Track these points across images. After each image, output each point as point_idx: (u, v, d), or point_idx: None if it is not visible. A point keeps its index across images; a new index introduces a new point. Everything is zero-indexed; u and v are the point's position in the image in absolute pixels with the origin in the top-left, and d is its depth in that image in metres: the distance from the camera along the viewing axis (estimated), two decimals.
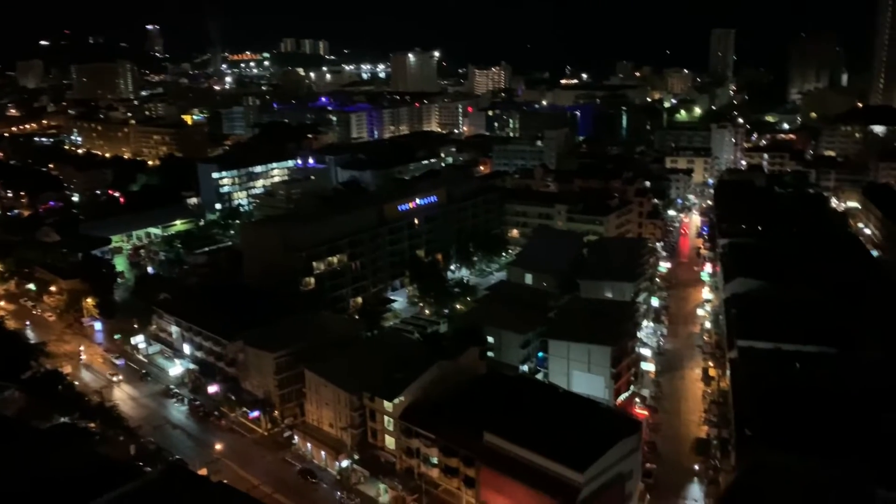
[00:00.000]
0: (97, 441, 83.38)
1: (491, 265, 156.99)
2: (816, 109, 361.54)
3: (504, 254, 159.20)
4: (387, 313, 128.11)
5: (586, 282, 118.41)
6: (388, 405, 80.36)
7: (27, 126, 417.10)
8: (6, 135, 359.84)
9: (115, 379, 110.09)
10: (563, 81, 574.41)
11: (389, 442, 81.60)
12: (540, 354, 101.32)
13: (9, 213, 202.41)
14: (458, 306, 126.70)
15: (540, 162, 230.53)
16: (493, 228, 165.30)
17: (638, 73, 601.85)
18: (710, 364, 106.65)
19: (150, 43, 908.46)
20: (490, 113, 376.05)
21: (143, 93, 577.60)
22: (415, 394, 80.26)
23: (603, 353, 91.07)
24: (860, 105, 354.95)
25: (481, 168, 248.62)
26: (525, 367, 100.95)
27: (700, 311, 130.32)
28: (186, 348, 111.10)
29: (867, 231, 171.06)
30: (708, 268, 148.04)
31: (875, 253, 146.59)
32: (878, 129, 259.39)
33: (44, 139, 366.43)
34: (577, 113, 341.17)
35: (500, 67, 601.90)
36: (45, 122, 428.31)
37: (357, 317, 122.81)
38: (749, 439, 67.36)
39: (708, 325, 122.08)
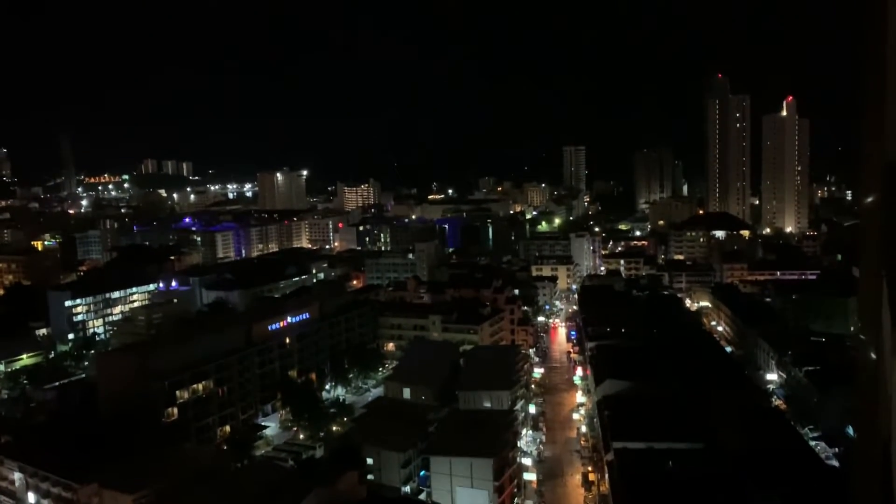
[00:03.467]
0: None
1: (367, 381, 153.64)
2: (662, 217, 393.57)
3: (380, 368, 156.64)
4: (258, 441, 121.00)
5: (464, 392, 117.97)
6: None
7: None
8: None
9: None
10: (430, 196, 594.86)
11: None
12: (422, 473, 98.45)
13: None
14: (334, 428, 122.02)
15: (412, 274, 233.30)
16: (368, 343, 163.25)
17: (500, 188, 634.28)
18: (589, 469, 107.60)
19: None
20: (360, 228, 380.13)
21: None
22: None
23: (485, 465, 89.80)
24: (701, 212, 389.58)
25: (354, 282, 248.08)
26: (407, 488, 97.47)
27: (575, 415, 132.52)
28: (31, 497, 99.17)
29: (719, 328, 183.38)
30: (579, 371, 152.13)
31: (728, 349, 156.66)
32: (719, 233, 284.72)
33: None
34: (446, 226, 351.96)
35: (369, 184, 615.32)
36: None
37: (225, 447, 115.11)
38: None
39: (584, 428, 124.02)
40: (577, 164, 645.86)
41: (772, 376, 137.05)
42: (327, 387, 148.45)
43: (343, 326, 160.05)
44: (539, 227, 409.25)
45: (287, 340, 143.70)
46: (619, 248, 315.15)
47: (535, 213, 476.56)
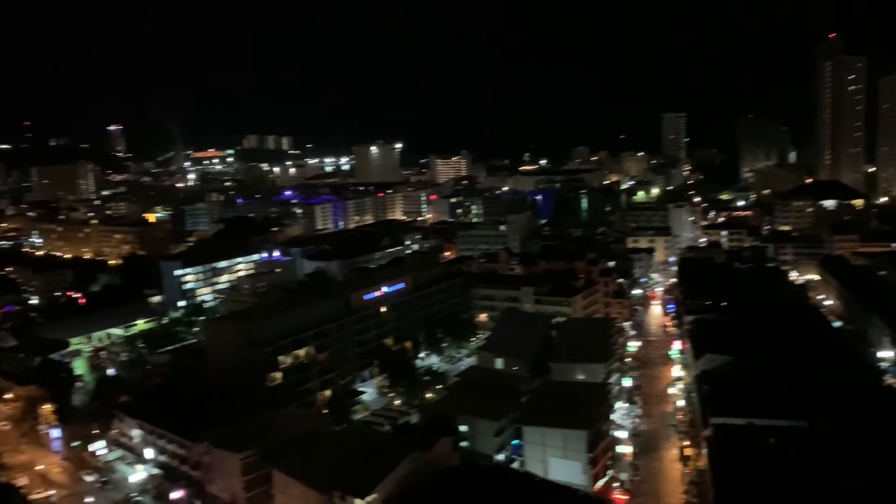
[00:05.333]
0: None
1: (460, 351, 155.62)
2: (768, 186, 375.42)
3: (473, 339, 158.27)
4: (356, 406, 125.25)
5: (557, 364, 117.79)
6: (359, 503, 77.34)
7: None
8: None
9: (71, 490, 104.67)
10: (522, 168, 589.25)
11: None
12: (515, 442, 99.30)
13: None
14: (428, 395, 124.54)
15: (504, 246, 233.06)
16: (460, 313, 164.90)
17: (594, 158, 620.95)
18: (686, 444, 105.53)
19: (111, 143, 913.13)
20: (453, 200, 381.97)
21: (105, 192, 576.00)
22: (388, 490, 77.46)
23: (579, 437, 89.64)
24: (809, 180, 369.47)
25: (446, 254, 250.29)
26: (500, 456, 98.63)
27: (672, 390, 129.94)
28: (149, 452, 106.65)
29: (827, 303, 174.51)
30: (676, 345, 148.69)
31: (837, 323, 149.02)
32: (829, 203, 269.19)
33: (2, 242, 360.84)
34: (538, 197, 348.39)
35: (461, 156, 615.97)
36: (3, 224, 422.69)
37: (325, 411, 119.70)
38: None
39: (681, 403, 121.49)
40: (677, 132, 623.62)
41: (886, 353, 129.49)
42: (421, 355, 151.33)
43: (436, 297, 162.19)
44: (636, 197, 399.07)
45: (383, 310, 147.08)
46: (721, 219, 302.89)
47: (631, 182, 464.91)
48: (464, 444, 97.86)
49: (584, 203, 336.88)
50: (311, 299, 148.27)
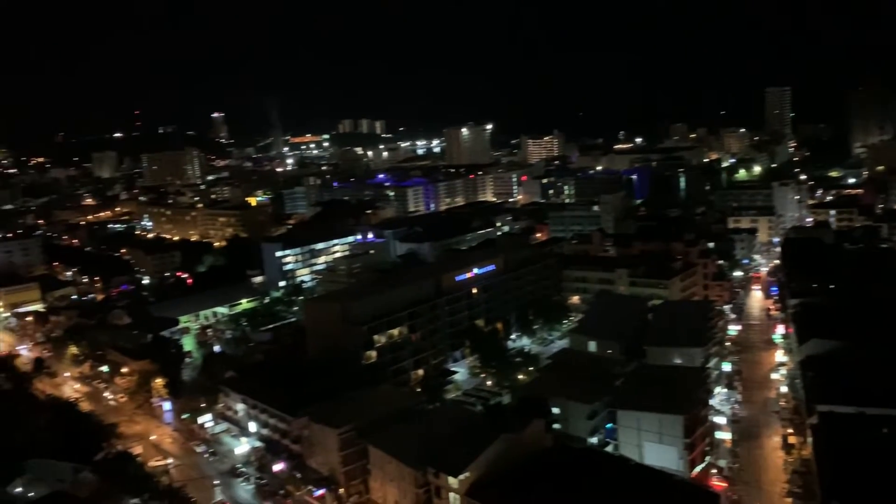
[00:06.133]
0: None
1: (552, 333, 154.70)
2: (882, 162, 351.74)
3: (565, 321, 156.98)
4: (448, 385, 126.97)
5: (653, 348, 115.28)
6: (452, 481, 78.59)
7: (101, 214, 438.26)
8: (82, 223, 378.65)
9: (182, 460, 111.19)
10: (616, 146, 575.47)
11: None
12: (609, 425, 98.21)
13: (84, 298, 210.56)
14: (520, 376, 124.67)
15: (597, 227, 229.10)
16: (552, 295, 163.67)
17: (693, 135, 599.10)
18: (790, 431, 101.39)
19: (215, 130, 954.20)
20: (544, 181, 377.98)
21: (210, 177, 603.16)
22: (480, 469, 78.34)
23: (675, 422, 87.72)
24: None
25: (538, 235, 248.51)
26: (594, 440, 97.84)
27: (774, 375, 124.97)
28: (252, 426, 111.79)
29: None
30: (780, 329, 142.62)
31: None
32: None
33: (116, 225, 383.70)
34: (633, 176, 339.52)
35: (553, 136, 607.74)
36: (117, 209, 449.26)
37: (419, 389, 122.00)
38: None
39: (784, 389, 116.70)
40: (781, 107, 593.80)
41: None
42: (513, 336, 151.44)
43: (527, 279, 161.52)
44: (737, 175, 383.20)
45: (474, 291, 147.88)
46: (829, 198, 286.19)
47: (732, 160, 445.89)
48: (556, 426, 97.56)
49: (683, 182, 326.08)
50: (404, 280, 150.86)
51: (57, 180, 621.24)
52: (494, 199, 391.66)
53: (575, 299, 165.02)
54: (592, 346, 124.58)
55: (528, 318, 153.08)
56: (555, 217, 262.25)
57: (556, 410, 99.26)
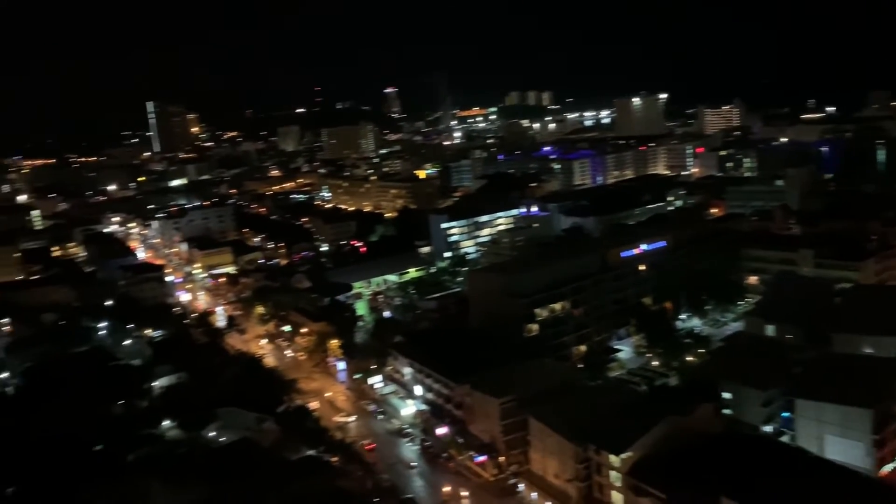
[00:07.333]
0: (338, 474, 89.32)
1: (725, 315, 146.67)
2: None
3: (740, 303, 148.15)
4: (611, 363, 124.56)
5: (842, 335, 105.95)
6: (614, 459, 77.41)
7: (285, 185, 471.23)
8: (268, 193, 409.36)
9: (355, 417, 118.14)
10: (804, 116, 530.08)
11: (616, 498, 78.30)
12: (785, 414, 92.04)
13: (269, 263, 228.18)
14: (689, 358, 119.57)
15: (780, 203, 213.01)
16: (727, 275, 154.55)
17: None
18: None
19: (388, 105, 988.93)
20: (722, 153, 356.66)
21: (382, 151, 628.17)
22: (644, 449, 76.53)
23: (863, 415, 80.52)
24: None
25: (713, 211, 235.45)
26: (768, 428, 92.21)
27: None
28: (418, 389, 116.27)
29: None
30: None
31: None
32: None
33: (299, 196, 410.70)
34: (823, 148, 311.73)
35: (733, 105, 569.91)
36: (300, 180, 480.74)
37: (580, 365, 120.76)
38: None
39: None
40: None
41: None
42: (682, 317, 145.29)
43: (700, 257, 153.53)
44: None
45: (641, 268, 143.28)
46: None
47: None
48: (727, 411, 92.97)
49: (882, 155, 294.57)
50: (567, 254, 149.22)
51: (247, 153, 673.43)
52: (667, 173, 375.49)
53: (752, 280, 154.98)
54: (770, 329, 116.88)
55: (700, 297, 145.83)
56: (733, 192, 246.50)
57: (726, 395, 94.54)
